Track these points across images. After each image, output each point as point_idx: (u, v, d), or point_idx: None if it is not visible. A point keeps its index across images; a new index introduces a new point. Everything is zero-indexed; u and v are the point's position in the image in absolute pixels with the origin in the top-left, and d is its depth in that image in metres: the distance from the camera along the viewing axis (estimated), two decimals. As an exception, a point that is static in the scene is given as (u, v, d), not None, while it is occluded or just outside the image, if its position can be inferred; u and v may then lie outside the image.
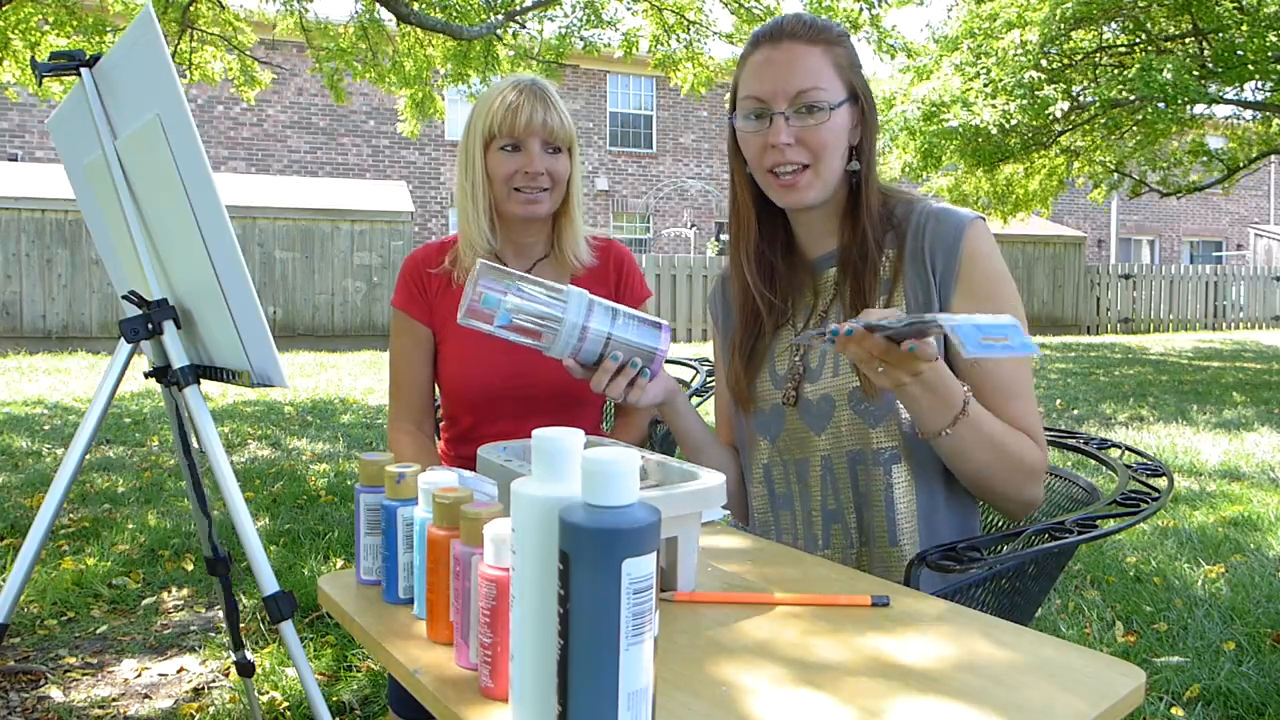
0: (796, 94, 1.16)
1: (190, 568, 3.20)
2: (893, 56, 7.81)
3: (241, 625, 2.65)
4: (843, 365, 1.22)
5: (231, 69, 8.33)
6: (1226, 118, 11.99)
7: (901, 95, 9.80)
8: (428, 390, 1.65)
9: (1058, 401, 7.23)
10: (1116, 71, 9.33)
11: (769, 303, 1.30)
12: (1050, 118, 9.08)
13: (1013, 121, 8.85)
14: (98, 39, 7.11)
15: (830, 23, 1.22)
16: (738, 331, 1.34)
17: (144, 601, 2.91)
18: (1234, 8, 8.51)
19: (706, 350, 10.88)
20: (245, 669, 1.94)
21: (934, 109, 9.28)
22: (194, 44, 7.84)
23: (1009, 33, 8.89)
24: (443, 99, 8.99)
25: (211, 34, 7.87)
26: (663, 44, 8.00)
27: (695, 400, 1.90)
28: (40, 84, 2.28)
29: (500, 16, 7.29)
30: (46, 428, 5.80)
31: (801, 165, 1.19)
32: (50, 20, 7.11)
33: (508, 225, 1.61)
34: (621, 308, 1.16)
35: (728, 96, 1.29)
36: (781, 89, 1.17)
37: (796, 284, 1.30)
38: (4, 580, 2.21)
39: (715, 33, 7.92)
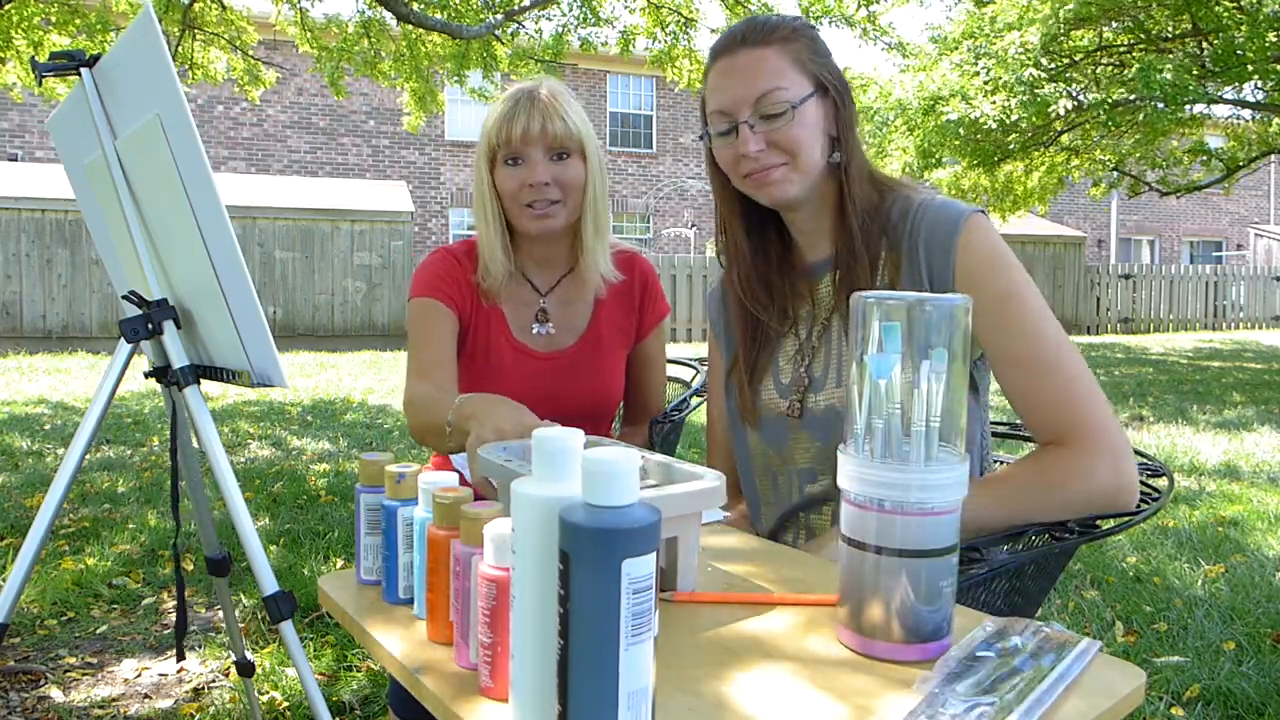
0: (756, 100, 1.14)
1: (190, 568, 3.20)
2: (889, 52, 7.84)
3: (241, 625, 2.65)
4: (846, 374, 1.20)
5: (236, 68, 8.34)
6: (1226, 117, 12.00)
7: (900, 84, 9.81)
8: (454, 361, 1.50)
9: (1058, 401, 7.22)
10: (1117, 71, 9.34)
11: (767, 315, 1.28)
12: (1052, 116, 9.08)
13: (1013, 118, 8.85)
14: (100, 38, 7.11)
15: (784, 19, 1.19)
16: (740, 346, 1.31)
17: (144, 601, 2.91)
18: (1234, 8, 8.51)
19: (706, 350, 10.85)
20: (245, 669, 1.94)
21: (932, 102, 9.29)
22: (196, 44, 7.84)
23: (1009, 33, 8.89)
24: (443, 92, 9.00)
25: (214, 34, 7.88)
26: (659, 40, 8.01)
27: (695, 400, 1.89)
28: (40, 84, 2.28)
29: (499, 16, 7.30)
30: (47, 428, 5.80)
31: (778, 165, 1.16)
32: (53, 19, 7.11)
33: (528, 242, 1.54)
34: None
35: (698, 114, 1.27)
36: (741, 97, 1.15)
37: (795, 292, 1.27)
38: (4, 580, 2.21)
39: (711, 29, 7.93)
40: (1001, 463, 1.43)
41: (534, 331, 1.57)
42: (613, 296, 1.61)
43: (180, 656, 1.90)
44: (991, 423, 1.34)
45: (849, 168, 1.19)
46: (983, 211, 1.16)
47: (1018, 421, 1.60)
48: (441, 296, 1.51)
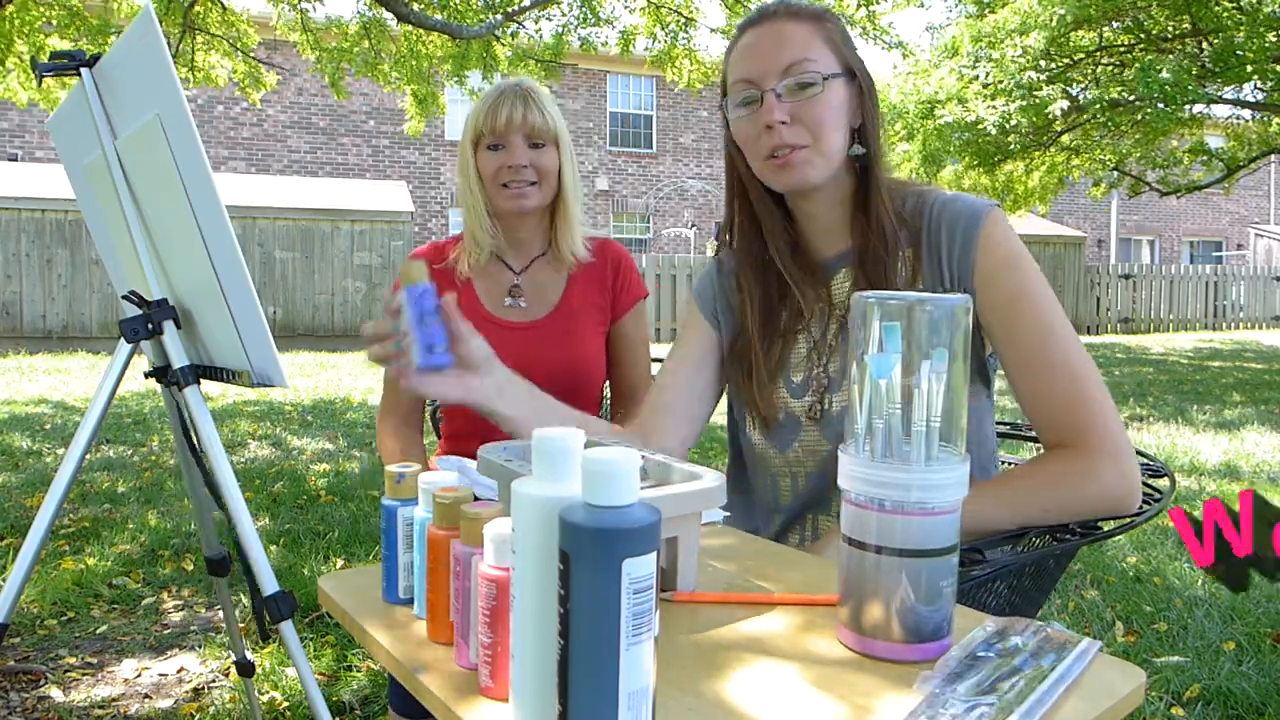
0: (786, 67, 1.11)
1: (190, 568, 3.20)
2: (888, 51, 7.86)
3: (241, 625, 2.65)
4: None
5: (237, 70, 8.34)
6: (1226, 117, 12.01)
7: (899, 88, 9.84)
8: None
9: (1058, 401, 7.22)
10: (1117, 71, 9.34)
11: (779, 310, 1.24)
12: (1050, 117, 9.09)
13: (1012, 122, 8.86)
14: (101, 40, 7.11)
15: (815, 4, 1.18)
16: (752, 340, 1.25)
17: (144, 601, 2.91)
18: (1233, 8, 8.52)
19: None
20: (245, 669, 1.94)
21: (929, 105, 9.30)
22: (196, 46, 7.84)
23: (1011, 39, 8.90)
24: (443, 93, 9.00)
25: (214, 35, 7.87)
26: (659, 40, 8.01)
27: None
28: (40, 84, 2.28)
29: (499, 16, 7.30)
30: (47, 427, 5.80)
31: (801, 146, 1.13)
32: (54, 22, 7.11)
33: (504, 222, 1.66)
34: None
35: (719, 89, 1.25)
36: (771, 66, 1.12)
37: (808, 288, 1.23)
38: (4, 580, 2.21)
39: (711, 29, 7.93)
40: (1004, 462, 1.43)
41: (506, 304, 1.67)
42: (585, 275, 1.70)
43: (265, 637, 1.89)
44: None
45: (874, 161, 1.16)
46: (998, 206, 1.14)
47: (1018, 421, 1.60)
48: None
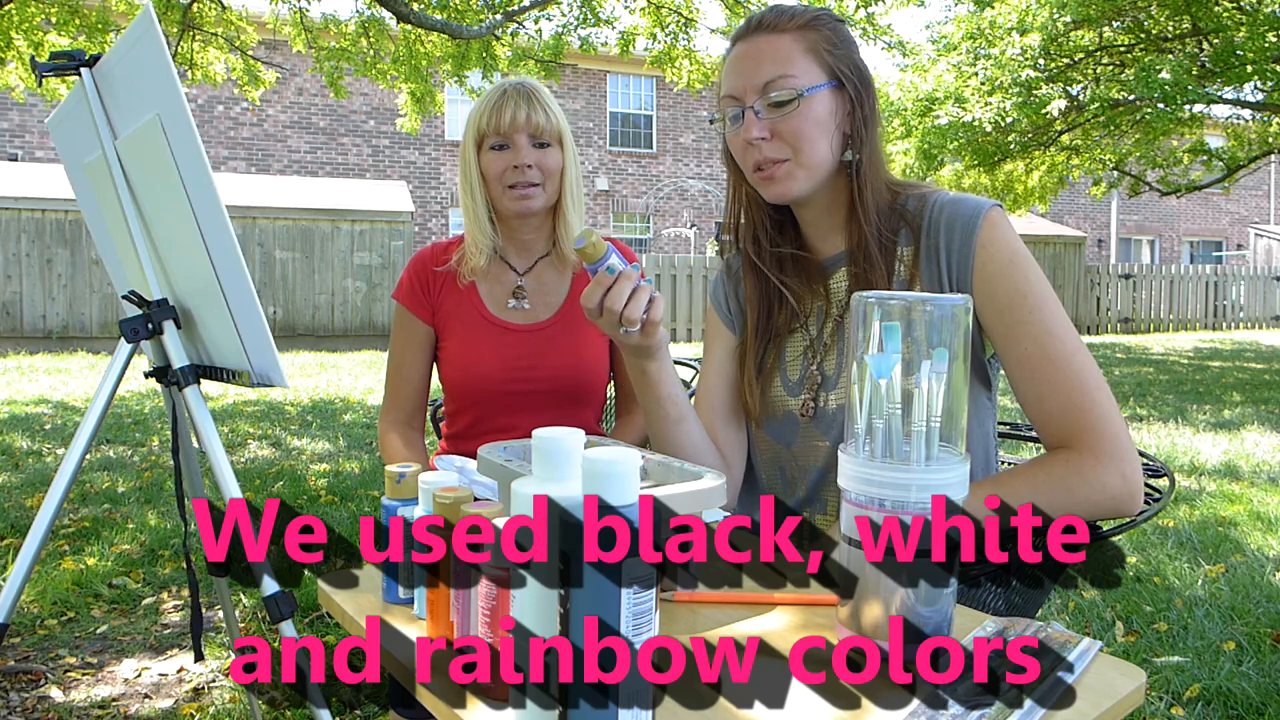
0: (764, 85, 1.12)
1: (190, 568, 3.20)
2: (889, 51, 7.87)
3: (241, 625, 2.65)
4: None
5: (235, 69, 8.34)
6: (1226, 117, 12.01)
7: (897, 84, 9.85)
8: (420, 386, 1.68)
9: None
10: (1116, 71, 9.35)
11: (778, 308, 1.25)
12: (1048, 116, 9.09)
13: (1009, 119, 8.86)
14: (100, 38, 7.11)
15: (808, 9, 1.17)
16: (749, 338, 1.28)
17: (144, 601, 2.91)
18: (1234, 8, 8.52)
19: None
20: (245, 668, 1.94)
21: (927, 104, 9.31)
22: (195, 45, 7.84)
23: (1009, 36, 8.90)
24: (442, 92, 8.99)
25: (214, 35, 7.87)
26: (658, 40, 8.01)
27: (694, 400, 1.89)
28: (40, 84, 2.28)
29: (499, 16, 7.30)
30: (47, 427, 5.80)
31: (781, 160, 1.14)
32: (53, 19, 7.11)
33: (507, 224, 1.64)
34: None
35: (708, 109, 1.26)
36: (750, 83, 1.13)
37: (808, 287, 1.25)
38: (4, 580, 2.21)
39: (711, 29, 7.93)
40: (1004, 462, 1.43)
41: (509, 306, 1.66)
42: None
43: (199, 656, 1.90)
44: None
45: (861, 168, 1.16)
46: (999, 205, 1.14)
47: (1018, 421, 1.60)
48: (413, 304, 1.66)
